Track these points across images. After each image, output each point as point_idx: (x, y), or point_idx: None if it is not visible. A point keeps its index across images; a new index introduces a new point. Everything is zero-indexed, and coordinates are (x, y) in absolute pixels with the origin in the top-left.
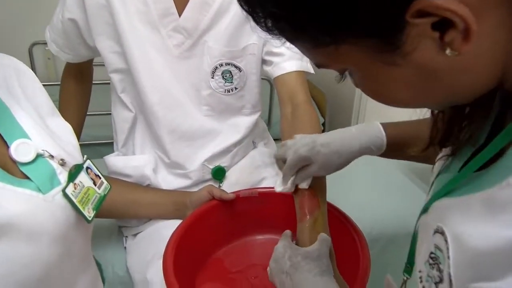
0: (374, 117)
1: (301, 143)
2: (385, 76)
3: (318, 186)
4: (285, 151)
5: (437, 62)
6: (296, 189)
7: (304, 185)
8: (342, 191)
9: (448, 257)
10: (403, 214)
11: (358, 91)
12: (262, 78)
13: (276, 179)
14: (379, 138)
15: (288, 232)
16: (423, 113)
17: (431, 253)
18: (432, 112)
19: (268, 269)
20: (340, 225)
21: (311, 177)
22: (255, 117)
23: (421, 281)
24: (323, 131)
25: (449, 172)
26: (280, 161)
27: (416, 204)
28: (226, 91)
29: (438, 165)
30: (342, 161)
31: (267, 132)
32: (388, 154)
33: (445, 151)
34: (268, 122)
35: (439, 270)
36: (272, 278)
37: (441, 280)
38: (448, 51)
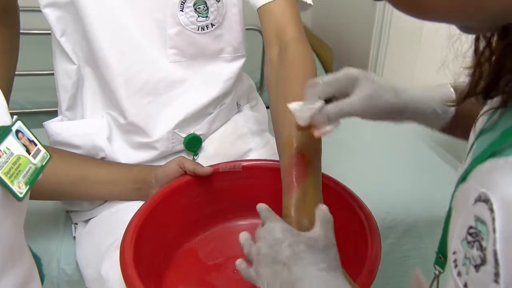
0: (395, 78)
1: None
2: None
3: (310, 147)
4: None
5: None
6: (283, 150)
7: (328, 128)
8: (349, 165)
9: (494, 230)
10: (425, 195)
11: (375, 43)
12: (252, 29)
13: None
14: (447, 97)
15: (263, 206)
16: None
17: (470, 227)
18: (475, 50)
19: (251, 253)
20: (343, 205)
21: (339, 120)
22: (237, 64)
23: (455, 266)
24: None
25: (496, 129)
26: (314, 87)
27: (442, 183)
28: (200, 28)
29: (481, 121)
30: (395, 101)
31: (255, 92)
32: (455, 127)
33: (491, 103)
34: (260, 85)
35: (481, 249)
36: (258, 267)
37: (483, 262)
38: None
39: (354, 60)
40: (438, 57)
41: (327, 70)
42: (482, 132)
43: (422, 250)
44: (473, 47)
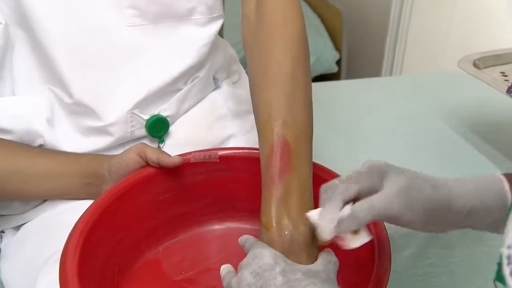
0: (421, 48)
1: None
2: None
3: (297, 128)
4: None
5: None
6: (263, 132)
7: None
8: (355, 153)
9: None
10: None
11: (397, 4)
12: None
13: None
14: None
15: (245, 236)
16: None
17: None
18: None
19: (231, 285)
20: None
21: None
22: (213, 28)
23: (509, 263)
24: (338, 72)
25: None
26: (333, 188)
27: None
28: None
29: None
30: (436, 194)
31: (238, 64)
32: None
33: None
34: None
35: None
36: None
37: None
38: None
39: (369, 25)
40: (482, 11)
41: (336, 38)
42: None
43: (453, 265)
44: None
